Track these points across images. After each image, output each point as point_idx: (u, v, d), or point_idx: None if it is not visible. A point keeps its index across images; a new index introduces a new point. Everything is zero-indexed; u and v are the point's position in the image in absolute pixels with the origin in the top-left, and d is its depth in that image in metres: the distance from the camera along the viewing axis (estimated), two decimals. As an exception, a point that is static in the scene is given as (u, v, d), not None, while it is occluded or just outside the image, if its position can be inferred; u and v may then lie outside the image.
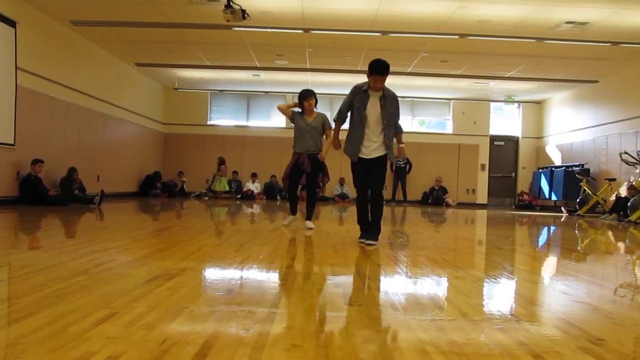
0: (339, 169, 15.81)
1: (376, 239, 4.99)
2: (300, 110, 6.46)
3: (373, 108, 4.94)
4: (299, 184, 6.61)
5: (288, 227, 6.54)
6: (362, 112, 4.94)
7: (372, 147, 4.99)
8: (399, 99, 5.09)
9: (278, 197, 15.96)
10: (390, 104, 4.96)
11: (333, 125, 5.52)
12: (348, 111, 5.14)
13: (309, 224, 6.45)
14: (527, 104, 17.76)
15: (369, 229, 5.09)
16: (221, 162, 16.04)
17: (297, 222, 6.78)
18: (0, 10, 8.60)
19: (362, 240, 5.05)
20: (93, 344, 1.80)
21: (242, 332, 2.04)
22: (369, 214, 5.12)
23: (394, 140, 5.13)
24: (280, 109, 6.73)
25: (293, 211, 6.62)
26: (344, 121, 5.27)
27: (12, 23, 8.89)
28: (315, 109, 6.43)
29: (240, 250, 4.44)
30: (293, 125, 6.48)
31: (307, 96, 6.34)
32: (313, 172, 6.32)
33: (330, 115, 6.02)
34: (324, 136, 6.38)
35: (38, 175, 9.38)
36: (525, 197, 16.93)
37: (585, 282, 3.66)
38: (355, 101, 5.00)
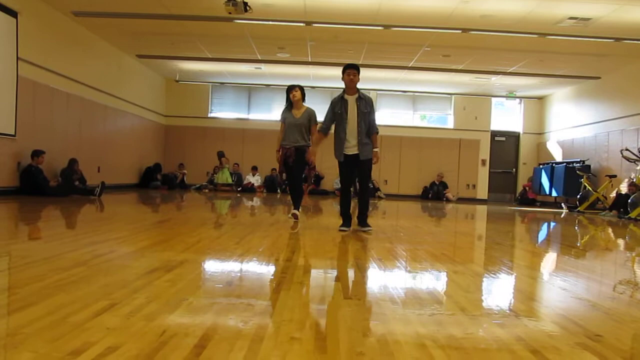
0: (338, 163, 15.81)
1: (369, 225, 5.72)
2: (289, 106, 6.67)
3: (351, 109, 5.66)
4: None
5: (289, 219, 6.71)
6: (344, 115, 5.66)
7: (352, 145, 5.66)
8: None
9: (278, 190, 15.96)
10: (364, 105, 5.69)
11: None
12: (332, 122, 5.82)
13: (295, 212, 6.64)
14: (529, 99, 17.73)
15: (359, 218, 5.76)
16: (221, 155, 15.99)
17: (302, 215, 6.90)
18: (1, 0, 8.57)
19: (344, 229, 5.69)
20: (92, 335, 1.81)
21: (241, 325, 2.04)
22: (358, 203, 5.87)
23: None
24: (281, 131, 6.79)
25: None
26: (327, 133, 5.93)
27: (13, 13, 8.86)
28: (304, 103, 6.56)
29: (240, 242, 4.44)
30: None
31: (291, 88, 6.54)
32: (297, 164, 6.50)
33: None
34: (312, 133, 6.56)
35: (39, 166, 9.38)
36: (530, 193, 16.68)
37: (585, 278, 3.66)
38: (336, 108, 5.72)
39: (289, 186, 6.91)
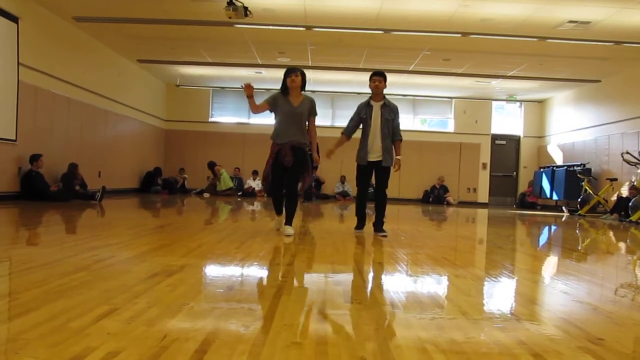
0: (339, 168, 15.83)
1: (384, 230, 5.83)
2: (283, 93, 5.39)
3: (375, 116, 5.78)
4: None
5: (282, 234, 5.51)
6: (368, 121, 5.77)
7: (376, 150, 5.77)
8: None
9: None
10: (389, 112, 5.80)
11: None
12: (356, 126, 5.91)
13: (289, 229, 5.39)
14: (529, 103, 17.73)
15: (376, 224, 5.90)
16: (212, 165, 15.87)
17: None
18: (2, 5, 8.60)
19: (359, 231, 5.95)
20: (93, 340, 1.80)
21: (242, 329, 2.04)
22: (375, 209, 5.96)
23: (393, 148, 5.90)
24: (257, 108, 5.42)
25: (279, 212, 5.69)
26: (350, 136, 5.96)
27: (14, 19, 8.88)
28: (303, 92, 5.42)
29: (240, 247, 4.44)
30: (274, 113, 5.44)
31: (290, 72, 5.32)
32: (295, 166, 5.32)
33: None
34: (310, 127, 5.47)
35: (39, 170, 9.38)
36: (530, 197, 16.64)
37: (586, 281, 3.65)
38: (362, 113, 5.83)
39: (273, 193, 5.69)
